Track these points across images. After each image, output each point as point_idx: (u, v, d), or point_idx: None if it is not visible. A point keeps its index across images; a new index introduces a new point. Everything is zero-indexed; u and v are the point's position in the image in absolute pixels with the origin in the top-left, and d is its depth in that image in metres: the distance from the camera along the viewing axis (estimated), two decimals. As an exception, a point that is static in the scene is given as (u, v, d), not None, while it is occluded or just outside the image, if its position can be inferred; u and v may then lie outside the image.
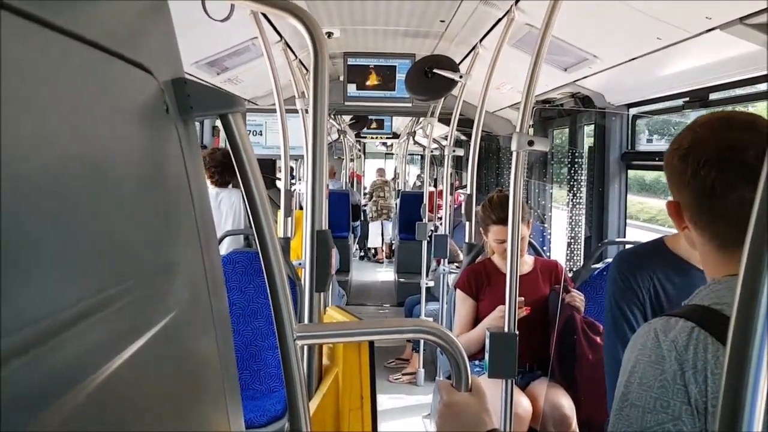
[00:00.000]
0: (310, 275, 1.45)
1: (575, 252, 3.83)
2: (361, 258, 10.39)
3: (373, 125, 8.72)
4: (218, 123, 4.58)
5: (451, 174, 4.28)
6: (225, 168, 3.54)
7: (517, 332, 1.68)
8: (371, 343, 1.55)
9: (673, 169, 0.98)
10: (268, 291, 0.98)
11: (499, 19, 2.92)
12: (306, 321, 1.49)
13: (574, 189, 3.80)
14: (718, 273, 0.97)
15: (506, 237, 1.71)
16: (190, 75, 3.20)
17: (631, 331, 1.74)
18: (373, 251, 10.32)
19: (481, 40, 3.37)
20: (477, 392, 1.02)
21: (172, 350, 0.64)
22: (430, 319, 4.58)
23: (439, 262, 4.34)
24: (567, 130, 4.12)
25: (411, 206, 7.37)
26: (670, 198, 1.01)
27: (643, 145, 3.54)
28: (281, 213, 3.27)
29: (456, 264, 4.22)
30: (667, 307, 1.71)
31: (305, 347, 1.48)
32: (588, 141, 3.82)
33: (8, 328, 0.37)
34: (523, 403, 2.51)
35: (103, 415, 0.47)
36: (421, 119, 6.40)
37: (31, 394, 0.38)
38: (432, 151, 5.74)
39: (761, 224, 0.50)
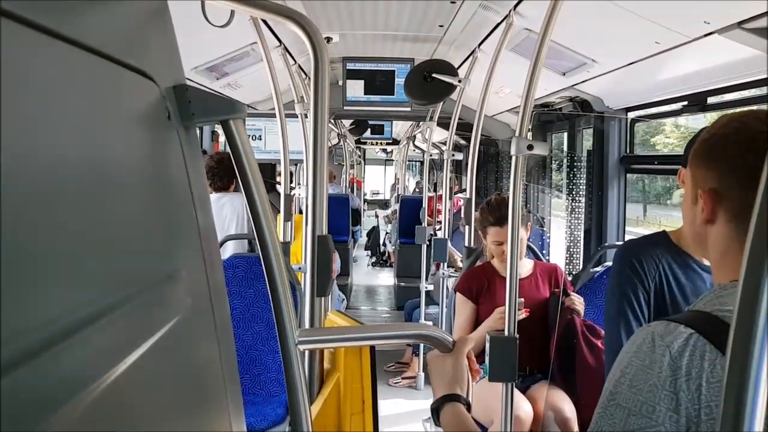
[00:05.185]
0: (311, 280, 1.45)
1: (574, 255, 3.83)
2: (374, 265, 10.11)
3: (374, 130, 8.71)
4: (218, 128, 4.59)
5: (450, 178, 4.29)
6: (217, 173, 3.52)
7: (517, 336, 1.68)
8: (372, 348, 1.55)
9: (717, 156, 0.96)
10: (270, 296, 0.98)
11: (498, 24, 2.93)
12: (307, 326, 1.49)
13: (573, 192, 3.80)
14: (728, 277, 0.95)
15: (504, 238, 1.71)
16: (190, 80, 3.20)
17: (635, 319, 1.73)
18: (386, 255, 10.09)
19: (479, 45, 3.38)
20: (454, 352, 1.11)
21: (175, 356, 0.64)
22: (430, 323, 4.59)
23: (438, 266, 4.33)
24: (566, 133, 4.12)
25: (411, 210, 7.38)
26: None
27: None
28: (281, 217, 3.27)
29: (454, 269, 4.23)
30: (671, 298, 1.70)
31: (306, 352, 1.48)
32: (587, 145, 3.82)
33: (13, 335, 0.37)
34: (524, 407, 2.51)
35: (107, 421, 0.48)
36: (421, 124, 6.41)
37: (36, 400, 0.38)
38: (431, 156, 5.75)
39: (762, 227, 0.50)
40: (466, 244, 3.35)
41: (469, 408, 1.09)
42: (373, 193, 17.64)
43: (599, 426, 0.90)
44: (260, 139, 4.25)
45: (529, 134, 1.66)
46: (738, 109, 2.46)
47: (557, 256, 4.25)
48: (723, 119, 1.01)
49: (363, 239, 11.05)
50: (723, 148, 0.96)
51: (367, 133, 8.40)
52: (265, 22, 2.80)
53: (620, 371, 0.91)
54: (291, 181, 3.37)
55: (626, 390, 0.89)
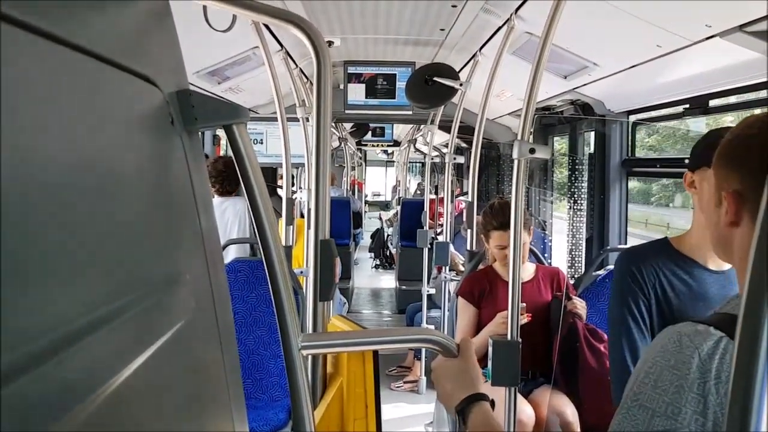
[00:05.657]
0: (314, 285, 1.45)
1: (576, 259, 3.83)
2: (376, 267, 10.01)
3: (375, 132, 8.72)
4: (219, 132, 4.60)
5: (451, 181, 4.29)
6: (226, 177, 3.56)
7: (519, 340, 1.67)
8: (375, 352, 1.55)
9: (739, 156, 0.94)
10: (273, 300, 0.98)
11: (499, 28, 2.93)
12: (310, 330, 1.49)
13: (575, 196, 3.80)
14: None
15: (507, 243, 1.70)
16: (192, 85, 3.21)
17: (635, 326, 1.73)
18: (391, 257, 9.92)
19: (480, 48, 3.38)
20: (462, 354, 1.12)
21: (179, 360, 0.64)
22: (432, 327, 4.58)
23: (440, 270, 4.33)
24: (567, 137, 4.12)
25: (412, 213, 7.37)
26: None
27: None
28: (282, 221, 3.27)
29: (455, 272, 4.22)
30: (674, 304, 1.70)
31: (309, 356, 1.48)
32: (588, 148, 3.82)
33: (17, 342, 0.37)
34: (526, 411, 2.50)
35: (112, 426, 0.47)
36: (422, 127, 6.41)
37: (42, 406, 0.38)
38: (432, 159, 5.75)
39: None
40: (468, 247, 3.35)
41: (493, 406, 1.09)
42: (375, 195, 17.68)
43: (622, 427, 0.89)
44: (261, 143, 4.25)
45: (531, 137, 1.65)
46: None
47: (559, 259, 4.24)
48: (748, 120, 0.99)
49: (364, 242, 11.02)
50: (745, 149, 0.94)
51: (368, 136, 8.41)
52: (266, 26, 2.80)
53: (644, 372, 0.89)
54: (292, 185, 3.37)
55: (650, 391, 0.87)
